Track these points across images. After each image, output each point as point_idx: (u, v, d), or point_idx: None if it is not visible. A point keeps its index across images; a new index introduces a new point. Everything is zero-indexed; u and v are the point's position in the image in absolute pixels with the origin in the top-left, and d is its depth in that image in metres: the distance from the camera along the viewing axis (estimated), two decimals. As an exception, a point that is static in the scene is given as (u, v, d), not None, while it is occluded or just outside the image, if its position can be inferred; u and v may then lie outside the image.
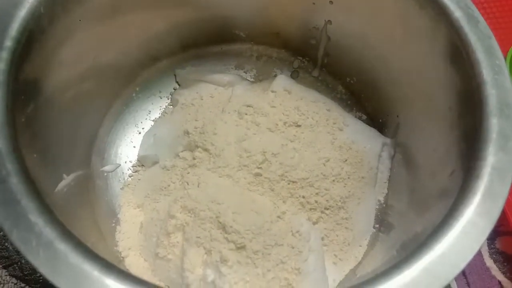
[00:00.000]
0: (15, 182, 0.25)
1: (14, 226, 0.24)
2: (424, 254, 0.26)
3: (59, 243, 0.24)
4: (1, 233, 0.44)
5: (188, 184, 0.41)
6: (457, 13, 0.33)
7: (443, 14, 0.34)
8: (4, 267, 0.43)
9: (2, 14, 0.30)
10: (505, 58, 0.33)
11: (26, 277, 0.42)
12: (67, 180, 0.37)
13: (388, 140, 0.46)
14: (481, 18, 0.32)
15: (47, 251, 0.23)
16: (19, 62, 0.29)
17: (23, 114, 0.29)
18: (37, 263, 0.23)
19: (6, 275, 0.42)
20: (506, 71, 0.31)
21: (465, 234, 0.26)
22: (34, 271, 0.43)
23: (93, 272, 0.23)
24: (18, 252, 0.43)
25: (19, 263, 0.43)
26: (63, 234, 0.24)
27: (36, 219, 0.24)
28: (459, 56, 0.33)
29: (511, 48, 0.50)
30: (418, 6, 0.36)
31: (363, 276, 0.40)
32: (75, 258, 0.23)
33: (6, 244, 0.44)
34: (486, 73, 0.31)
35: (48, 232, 0.24)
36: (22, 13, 0.30)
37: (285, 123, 0.45)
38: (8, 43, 0.29)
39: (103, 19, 0.38)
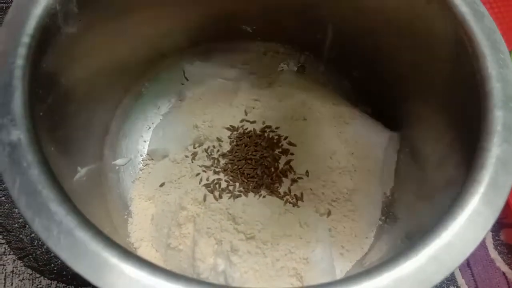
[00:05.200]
0: (36, 173, 0.26)
1: (35, 215, 0.25)
2: (430, 242, 0.27)
3: (79, 231, 0.25)
4: (16, 225, 0.45)
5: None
6: (463, 8, 0.33)
7: (449, 9, 0.34)
8: (19, 258, 0.44)
9: (19, 11, 0.31)
10: (510, 52, 0.33)
11: (41, 268, 0.43)
12: (81, 173, 0.38)
13: (393, 134, 0.46)
14: (486, 13, 0.33)
15: (68, 239, 0.24)
16: (36, 58, 0.30)
17: (41, 108, 0.30)
18: (58, 250, 0.24)
19: (21, 266, 0.43)
20: (510, 64, 0.31)
21: (470, 223, 0.27)
22: (49, 261, 0.44)
23: (112, 259, 0.24)
24: (32, 244, 0.44)
25: (33, 254, 0.44)
26: (83, 223, 0.25)
27: (57, 208, 0.25)
28: (465, 50, 0.33)
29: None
30: (424, 1, 0.36)
31: (370, 265, 0.41)
32: (94, 246, 0.24)
33: (21, 235, 0.45)
34: (491, 66, 0.31)
35: (69, 220, 0.25)
36: (38, 11, 0.31)
37: (292, 117, 0.46)
38: (26, 39, 0.30)
39: (115, 17, 0.39)
